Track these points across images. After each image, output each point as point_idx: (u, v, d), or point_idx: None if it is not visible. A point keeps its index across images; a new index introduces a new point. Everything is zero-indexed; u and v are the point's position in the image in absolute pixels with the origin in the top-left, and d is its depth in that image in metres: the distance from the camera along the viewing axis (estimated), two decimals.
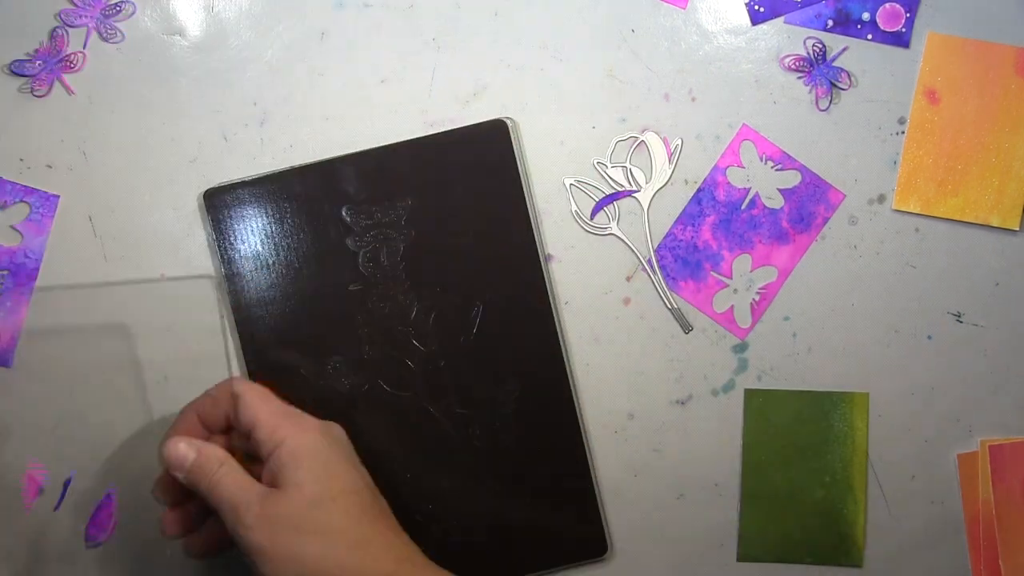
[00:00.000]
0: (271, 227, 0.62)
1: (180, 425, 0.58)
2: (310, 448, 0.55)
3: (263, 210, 0.62)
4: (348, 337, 0.62)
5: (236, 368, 0.63)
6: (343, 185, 0.62)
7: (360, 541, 0.54)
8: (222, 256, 0.62)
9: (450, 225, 0.62)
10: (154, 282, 0.63)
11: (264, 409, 0.56)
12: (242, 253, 0.62)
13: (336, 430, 0.58)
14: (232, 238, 0.62)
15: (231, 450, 0.57)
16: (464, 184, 0.62)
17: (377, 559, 0.54)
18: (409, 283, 0.62)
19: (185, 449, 0.55)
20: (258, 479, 0.55)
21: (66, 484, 0.62)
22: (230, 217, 0.62)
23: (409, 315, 0.62)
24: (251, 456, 0.57)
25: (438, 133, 0.63)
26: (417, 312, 0.62)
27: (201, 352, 0.63)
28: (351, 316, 0.62)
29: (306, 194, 0.62)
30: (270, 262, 0.62)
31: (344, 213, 0.62)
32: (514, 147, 0.63)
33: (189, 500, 0.58)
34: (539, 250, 0.63)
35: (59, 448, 0.62)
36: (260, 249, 0.62)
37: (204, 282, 0.63)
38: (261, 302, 0.62)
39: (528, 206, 0.63)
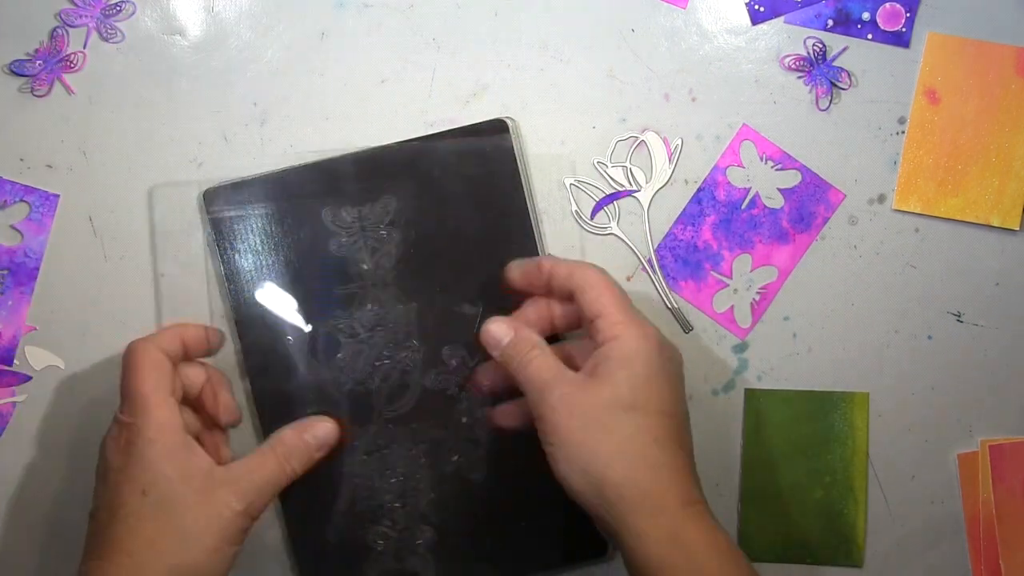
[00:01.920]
0: (271, 227, 0.62)
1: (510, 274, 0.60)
2: (642, 355, 0.54)
3: (263, 210, 0.62)
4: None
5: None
6: (343, 185, 0.62)
7: (652, 461, 0.53)
8: (222, 256, 0.62)
9: (450, 225, 0.62)
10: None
11: (611, 299, 0.56)
12: (242, 253, 0.62)
13: (674, 352, 0.57)
14: (232, 238, 0.62)
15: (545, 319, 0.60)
16: (464, 184, 0.62)
17: (663, 486, 0.53)
18: (409, 283, 0.62)
19: (504, 330, 0.57)
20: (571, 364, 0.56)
21: None
22: (230, 217, 0.62)
23: (409, 315, 0.62)
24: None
25: (438, 133, 0.63)
26: (416, 312, 0.62)
27: None
28: (357, 324, 0.62)
29: (306, 194, 0.62)
30: (269, 262, 0.62)
31: (344, 213, 0.62)
32: (514, 147, 0.63)
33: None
34: (539, 250, 0.63)
35: None
36: (260, 249, 0.62)
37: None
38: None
39: (528, 206, 0.63)
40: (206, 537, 0.54)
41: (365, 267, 0.62)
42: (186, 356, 0.59)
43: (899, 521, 0.65)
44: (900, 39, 0.64)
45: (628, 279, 0.64)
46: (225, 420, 0.61)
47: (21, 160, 0.63)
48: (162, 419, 0.55)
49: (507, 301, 0.62)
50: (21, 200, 0.63)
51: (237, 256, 0.62)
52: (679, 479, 0.54)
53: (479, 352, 0.61)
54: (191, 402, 0.60)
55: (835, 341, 0.65)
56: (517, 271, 0.60)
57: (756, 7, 0.64)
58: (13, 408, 0.64)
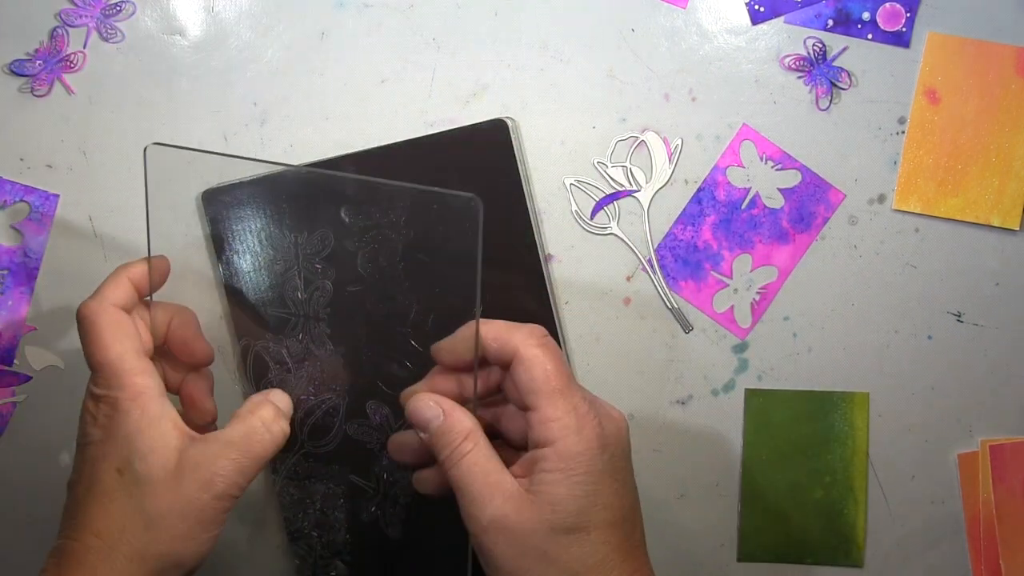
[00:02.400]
0: (270, 227, 0.62)
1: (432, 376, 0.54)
2: (583, 462, 0.48)
3: (262, 210, 0.62)
4: (347, 338, 0.62)
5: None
6: (342, 186, 0.62)
7: None
8: (220, 256, 0.62)
9: (402, 282, 0.62)
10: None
11: (546, 384, 0.49)
12: (240, 253, 0.62)
13: (616, 440, 0.50)
14: (231, 238, 0.62)
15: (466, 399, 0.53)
16: (464, 184, 0.62)
17: None
18: (408, 284, 0.62)
19: (433, 410, 0.51)
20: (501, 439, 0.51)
21: None
22: (229, 217, 0.62)
23: (408, 316, 0.62)
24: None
25: (438, 133, 0.63)
26: (416, 313, 0.62)
27: None
28: (350, 317, 0.62)
29: (305, 194, 0.62)
30: (268, 263, 0.62)
31: (343, 214, 0.62)
32: (514, 147, 0.63)
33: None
34: (539, 250, 0.63)
35: None
36: (259, 249, 0.62)
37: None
38: (260, 302, 0.62)
39: (528, 206, 0.63)
40: (178, 524, 0.50)
41: (300, 295, 0.61)
42: (138, 295, 0.55)
43: (899, 521, 0.65)
44: (900, 39, 0.64)
45: (628, 279, 0.64)
46: (198, 360, 0.57)
47: (21, 160, 0.63)
48: (138, 387, 0.51)
49: (505, 303, 0.62)
50: (21, 200, 0.63)
51: (236, 256, 0.62)
52: None
53: (404, 415, 0.55)
54: (161, 348, 0.56)
55: (835, 341, 0.65)
56: (447, 354, 0.54)
57: (756, 7, 0.64)
58: (13, 408, 0.64)
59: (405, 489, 0.62)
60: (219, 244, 0.62)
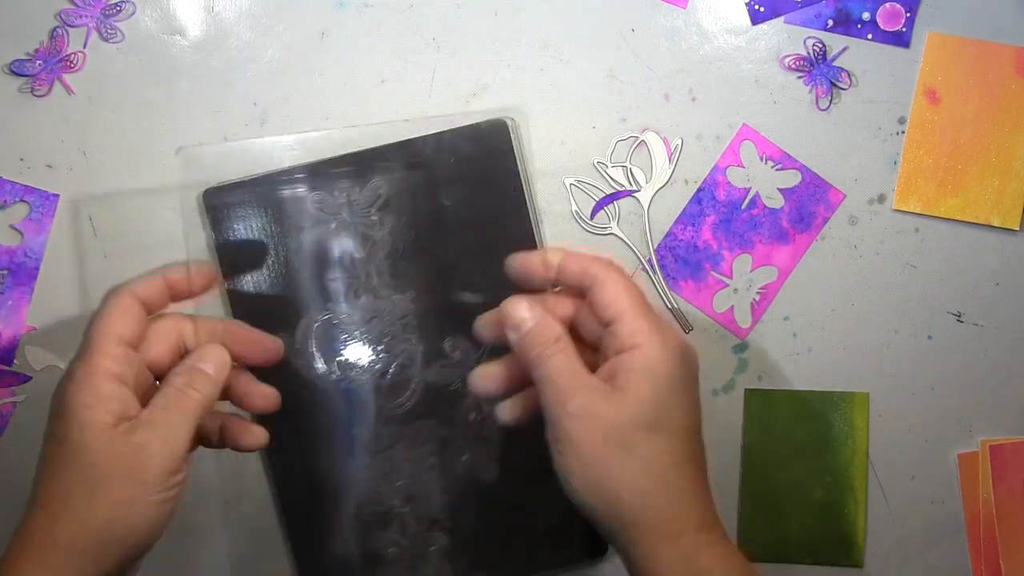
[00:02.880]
0: (270, 227, 0.62)
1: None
2: (666, 367, 0.51)
3: (262, 210, 0.62)
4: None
5: None
6: (334, 174, 0.62)
7: (671, 484, 0.51)
8: (221, 256, 0.62)
9: (448, 214, 0.62)
10: None
11: (630, 301, 0.52)
12: (241, 253, 0.62)
13: (693, 357, 0.53)
14: (231, 238, 0.62)
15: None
16: (464, 184, 0.62)
17: (680, 511, 0.51)
18: (404, 272, 0.62)
19: (526, 312, 0.53)
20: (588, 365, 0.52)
21: None
22: (229, 217, 0.62)
23: (405, 306, 0.62)
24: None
25: (438, 133, 0.63)
26: (413, 303, 0.62)
27: None
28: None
29: (301, 191, 0.62)
30: (269, 262, 0.62)
31: (332, 197, 0.62)
32: (514, 147, 0.63)
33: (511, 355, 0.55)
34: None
35: None
36: (260, 248, 0.62)
37: None
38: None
39: (528, 206, 0.63)
40: (120, 487, 0.50)
41: (357, 256, 0.61)
42: (173, 298, 0.56)
43: (899, 521, 0.65)
44: (900, 39, 0.64)
45: None
46: (271, 354, 0.58)
47: (21, 160, 0.63)
48: (96, 365, 0.51)
49: (510, 292, 0.62)
50: (21, 200, 0.63)
51: (237, 256, 0.62)
52: (696, 502, 0.51)
53: (484, 344, 0.59)
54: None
55: (835, 341, 0.65)
56: (520, 263, 0.56)
57: (756, 7, 0.64)
58: (13, 408, 0.64)
59: (493, 425, 0.61)
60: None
